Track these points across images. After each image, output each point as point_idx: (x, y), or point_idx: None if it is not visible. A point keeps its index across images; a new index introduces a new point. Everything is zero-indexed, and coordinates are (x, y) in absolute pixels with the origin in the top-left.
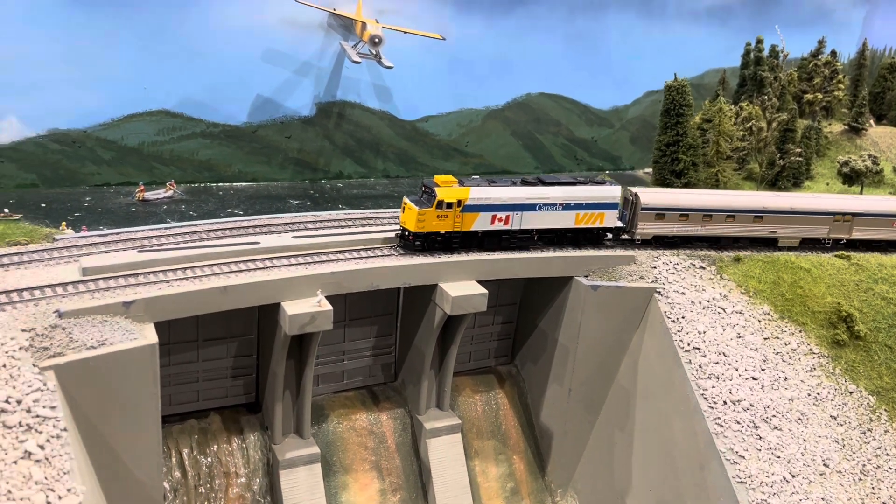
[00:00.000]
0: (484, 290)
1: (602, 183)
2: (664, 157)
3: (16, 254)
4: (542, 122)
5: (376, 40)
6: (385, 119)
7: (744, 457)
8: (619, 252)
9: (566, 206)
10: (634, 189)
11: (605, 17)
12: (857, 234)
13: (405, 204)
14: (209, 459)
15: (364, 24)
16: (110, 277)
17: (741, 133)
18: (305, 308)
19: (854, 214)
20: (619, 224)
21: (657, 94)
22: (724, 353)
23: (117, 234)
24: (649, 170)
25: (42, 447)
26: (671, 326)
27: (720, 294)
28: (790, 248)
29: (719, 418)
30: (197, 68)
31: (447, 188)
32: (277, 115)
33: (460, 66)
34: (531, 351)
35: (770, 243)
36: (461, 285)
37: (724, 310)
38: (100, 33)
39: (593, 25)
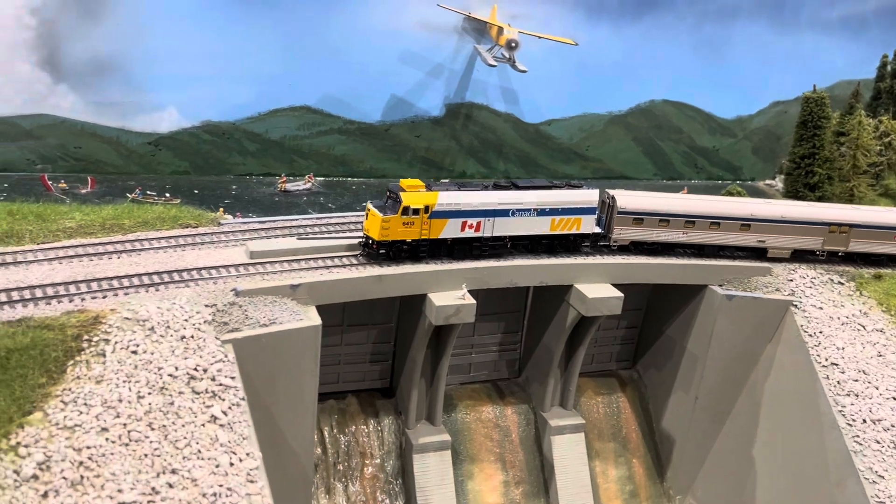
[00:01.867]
0: (620, 294)
1: (580, 186)
2: (798, 170)
3: (189, 235)
4: (664, 129)
5: (512, 45)
6: (510, 121)
7: (883, 476)
8: (756, 263)
9: (541, 212)
10: (612, 191)
11: (734, 25)
12: (855, 247)
13: (368, 210)
14: (347, 439)
15: (500, 28)
16: (275, 261)
17: (879, 147)
18: (451, 300)
19: (851, 226)
20: (598, 230)
21: (784, 104)
22: (863, 371)
23: (273, 221)
24: (771, 181)
25: (225, 413)
26: (808, 340)
27: (860, 311)
28: (780, 260)
29: (858, 436)
30: (338, 67)
31: (413, 193)
32: (409, 115)
33: (586, 71)
34: (655, 357)
35: (759, 254)
36: (596, 287)
37: (863, 327)
38: (254, 32)
39: (721, 33)
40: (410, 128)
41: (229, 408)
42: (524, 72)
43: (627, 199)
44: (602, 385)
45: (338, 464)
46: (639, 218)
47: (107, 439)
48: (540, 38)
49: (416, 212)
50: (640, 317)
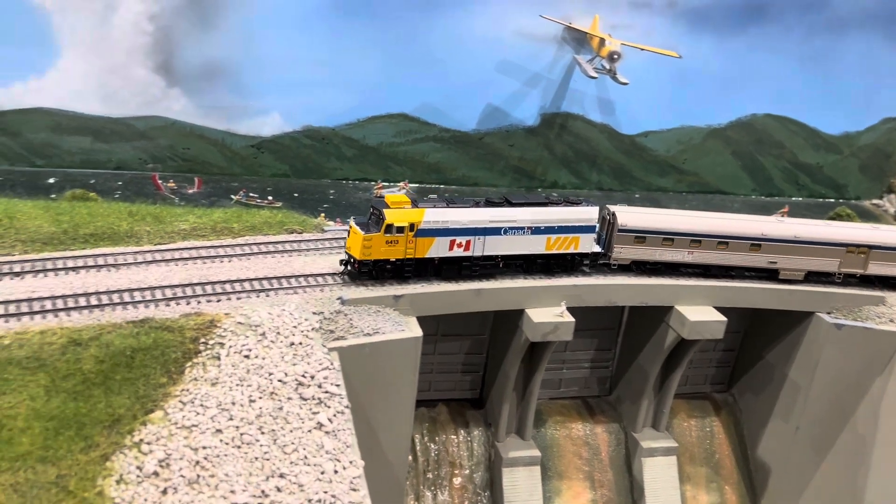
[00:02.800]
0: (723, 318)
1: (578, 203)
2: None
3: (294, 241)
4: (765, 144)
5: (615, 56)
6: (605, 132)
7: None
8: (867, 291)
9: (535, 230)
10: (612, 207)
11: (845, 38)
12: (874, 269)
13: (350, 227)
14: (437, 447)
15: (602, 39)
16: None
17: None
18: (549, 317)
19: (870, 247)
20: (597, 249)
21: None
22: None
23: None
24: (878, 201)
25: (330, 420)
26: None
27: None
28: (793, 281)
29: None
30: (436, 76)
31: (397, 210)
32: (504, 124)
33: (686, 83)
34: (753, 382)
35: (770, 275)
36: (699, 310)
37: None
38: (356, 41)
39: (832, 47)
40: (504, 137)
41: (334, 415)
42: (625, 84)
43: (629, 216)
44: (695, 408)
45: (427, 472)
46: (640, 236)
47: (221, 440)
48: (642, 49)
49: (400, 230)
50: (738, 339)
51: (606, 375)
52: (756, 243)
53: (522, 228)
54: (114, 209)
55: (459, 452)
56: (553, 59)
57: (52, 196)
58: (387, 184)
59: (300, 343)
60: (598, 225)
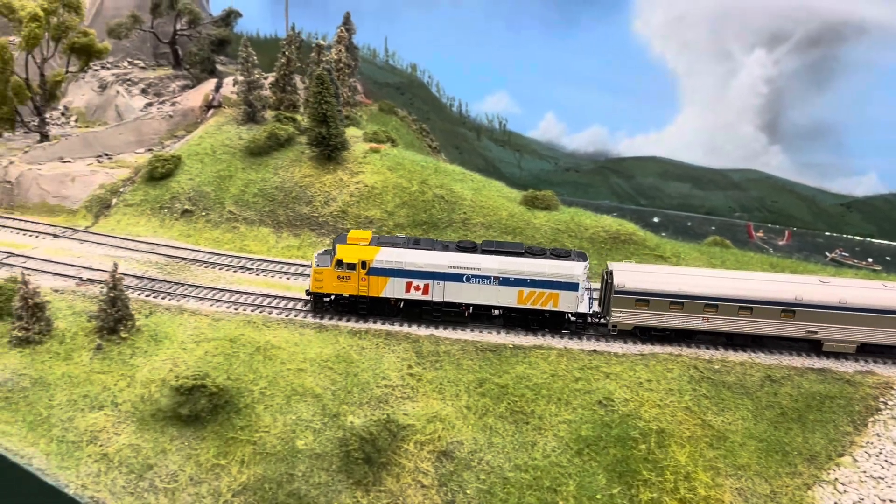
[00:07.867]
0: None
1: (566, 256)
2: None
3: None
4: None
5: None
6: None
7: None
8: None
9: (503, 281)
10: (612, 265)
11: None
12: None
13: (312, 259)
14: None
15: None
16: None
17: None
18: None
19: None
20: (583, 309)
21: None
22: None
23: None
24: None
25: None
26: None
27: None
28: (840, 355)
29: None
30: None
31: (350, 247)
32: None
33: None
34: None
35: (811, 346)
36: None
37: None
38: None
39: None
40: None
41: None
42: None
43: (628, 275)
44: None
45: None
46: (643, 299)
47: None
48: None
49: (350, 266)
50: None
51: None
52: (789, 309)
53: (488, 278)
54: (751, 258)
55: None
56: None
57: (663, 234)
58: None
59: None
60: (580, 282)
